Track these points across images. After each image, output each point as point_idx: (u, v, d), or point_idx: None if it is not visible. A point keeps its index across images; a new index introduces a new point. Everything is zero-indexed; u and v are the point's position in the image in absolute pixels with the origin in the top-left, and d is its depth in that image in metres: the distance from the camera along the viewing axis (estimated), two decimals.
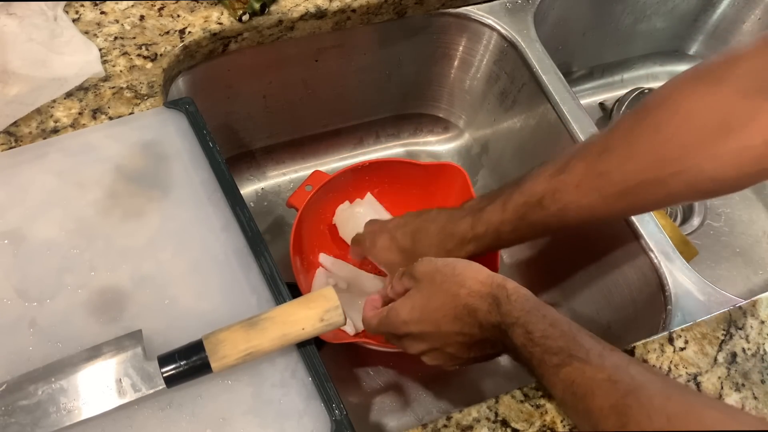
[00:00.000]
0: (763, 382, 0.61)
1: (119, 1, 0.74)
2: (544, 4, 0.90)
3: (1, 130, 0.64)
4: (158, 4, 0.75)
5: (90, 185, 0.62)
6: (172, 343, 0.52)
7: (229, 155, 0.94)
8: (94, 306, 0.56)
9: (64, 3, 0.72)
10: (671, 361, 0.61)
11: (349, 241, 0.86)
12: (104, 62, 0.70)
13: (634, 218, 0.73)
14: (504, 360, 0.86)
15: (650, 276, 0.72)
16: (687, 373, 0.61)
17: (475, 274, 0.56)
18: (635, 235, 0.72)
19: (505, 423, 0.56)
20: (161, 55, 0.72)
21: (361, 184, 0.88)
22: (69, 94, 0.67)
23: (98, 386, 0.50)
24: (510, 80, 0.91)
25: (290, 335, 0.53)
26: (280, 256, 0.79)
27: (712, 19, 1.11)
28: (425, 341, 0.58)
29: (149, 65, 0.71)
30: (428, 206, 0.88)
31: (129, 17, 0.74)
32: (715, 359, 0.62)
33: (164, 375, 0.50)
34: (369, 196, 0.89)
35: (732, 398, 0.60)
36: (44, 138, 0.65)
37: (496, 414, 0.57)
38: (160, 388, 0.50)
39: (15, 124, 0.65)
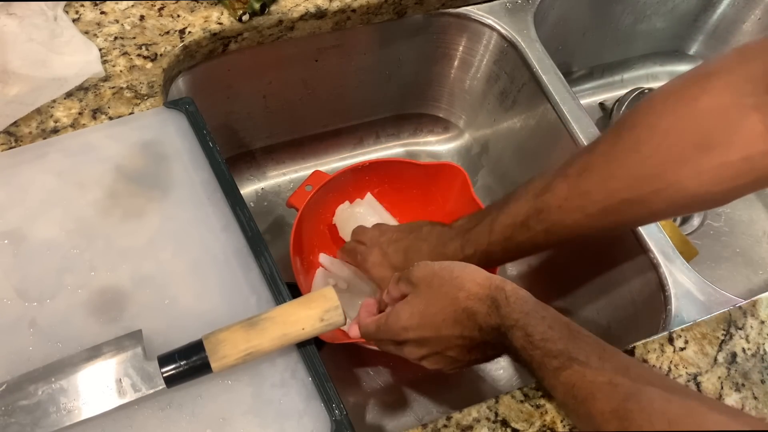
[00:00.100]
0: (763, 382, 0.61)
1: (119, 1, 0.74)
2: (544, 4, 0.90)
3: (1, 130, 0.64)
4: (158, 4, 0.75)
5: (90, 185, 0.62)
6: (172, 343, 0.52)
7: (229, 155, 0.94)
8: (94, 306, 0.56)
9: (64, 3, 0.72)
10: (671, 361, 0.61)
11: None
12: (104, 62, 0.70)
13: None
14: (504, 360, 0.86)
15: (650, 276, 0.72)
16: (687, 373, 0.61)
17: (473, 276, 0.56)
18: (635, 236, 0.72)
19: (505, 423, 0.56)
20: (161, 55, 0.72)
21: (361, 184, 0.88)
22: (69, 94, 0.67)
23: (98, 386, 0.50)
24: (510, 80, 0.91)
25: (290, 335, 0.53)
26: (280, 256, 0.79)
27: (712, 19, 1.11)
28: (425, 346, 0.58)
29: (149, 65, 0.71)
30: (428, 206, 0.89)
31: (129, 17, 0.74)
32: (715, 359, 0.62)
33: (164, 375, 0.50)
34: (369, 196, 0.89)
35: (732, 398, 0.60)
36: (44, 138, 0.65)
37: (496, 414, 0.57)
38: (160, 388, 0.50)
39: (15, 124, 0.65)
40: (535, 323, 0.51)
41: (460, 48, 0.93)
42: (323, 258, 0.86)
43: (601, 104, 1.12)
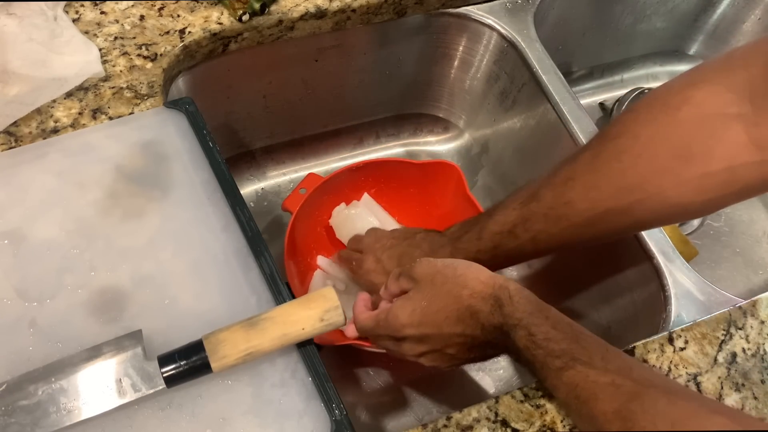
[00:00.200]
0: (763, 382, 0.61)
1: (119, 1, 0.74)
2: (544, 4, 0.90)
3: (1, 130, 0.64)
4: (158, 4, 0.75)
5: (90, 185, 0.62)
6: (172, 343, 0.52)
7: (229, 155, 0.94)
8: (94, 306, 0.56)
9: (64, 3, 0.72)
10: (671, 361, 0.61)
11: (346, 243, 0.86)
12: (104, 62, 0.70)
13: None
14: (504, 360, 0.86)
15: (650, 276, 0.72)
16: (687, 373, 0.61)
17: (477, 274, 0.56)
18: (635, 236, 0.72)
19: (505, 423, 0.56)
20: (161, 55, 0.72)
21: (357, 185, 0.88)
22: (69, 94, 0.67)
23: (98, 386, 0.50)
24: (510, 80, 0.91)
25: (290, 335, 0.53)
26: (279, 256, 0.79)
27: (712, 19, 1.11)
28: (425, 343, 0.57)
29: (149, 65, 0.71)
30: (425, 204, 0.89)
31: (129, 17, 0.74)
32: (715, 359, 0.62)
33: (164, 375, 0.50)
34: (366, 196, 0.89)
35: (732, 398, 0.60)
36: (44, 138, 0.65)
37: (496, 414, 0.57)
38: (160, 388, 0.50)
39: (15, 124, 0.65)
40: (538, 323, 0.51)
41: (460, 48, 0.93)
42: (321, 260, 0.86)
43: (601, 104, 1.12)
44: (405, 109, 1.01)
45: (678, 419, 0.43)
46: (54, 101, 0.67)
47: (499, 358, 0.86)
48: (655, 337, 0.63)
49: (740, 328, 0.64)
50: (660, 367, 0.61)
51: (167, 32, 0.73)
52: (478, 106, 0.99)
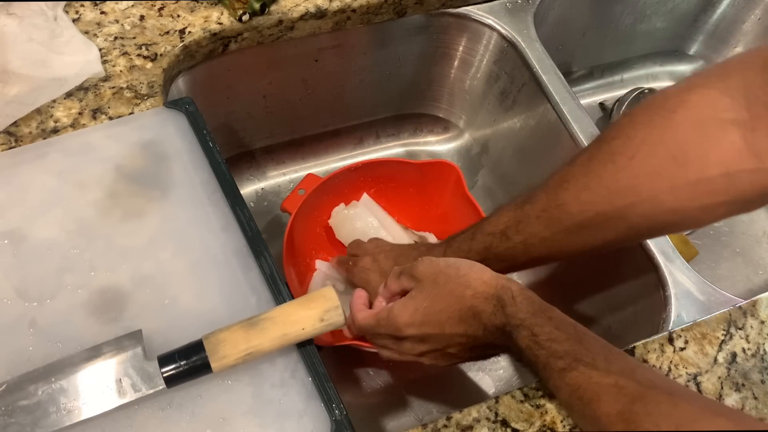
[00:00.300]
0: (763, 382, 0.61)
1: (119, 1, 0.74)
2: (544, 4, 0.90)
3: (1, 130, 0.64)
4: (158, 4, 0.75)
5: (90, 185, 0.62)
6: (172, 343, 0.52)
7: (229, 155, 0.94)
8: (94, 306, 0.56)
9: (64, 3, 0.72)
10: (671, 361, 0.61)
11: (345, 243, 0.86)
12: (104, 62, 0.70)
13: None
14: (504, 360, 0.86)
15: (650, 276, 0.72)
16: (687, 373, 0.61)
17: (480, 274, 0.55)
18: None
19: (505, 423, 0.56)
20: (161, 55, 0.72)
21: (356, 186, 0.88)
22: (69, 94, 0.67)
23: (98, 386, 0.50)
24: (510, 80, 0.91)
25: (290, 335, 0.53)
26: (279, 256, 0.79)
27: (712, 19, 1.11)
28: (427, 343, 0.57)
29: (149, 65, 0.71)
30: (424, 204, 0.90)
31: (129, 17, 0.74)
32: (715, 359, 0.62)
33: (164, 375, 0.50)
34: (365, 196, 0.89)
35: (732, 398, 0.60)
36: (44, 138, 0.65)
37: (496, 414, 0.57)
38: (160, 388, 0.50)
39: (15, 124, 0.65)
40: (541, 323, 0.51)
41: (460, 48, 0.93)
42: (320, 264, 0.86)
43: (601, 104, 1.12)
44: (405, 109, 1.01)
45: (681, 421, 0.43)
46: (54, 101, 0.67)
47: (499, 358, 0.86)
48: (655, 337, 0.63)
49: (740, 328, 0.64)
50: (660, 367, 0.61)
51: (167, 32, 0.73)
52: (478, 106, 0.99)
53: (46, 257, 0.58)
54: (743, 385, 0.61)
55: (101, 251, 0.58)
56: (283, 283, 0.58)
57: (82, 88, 0.68)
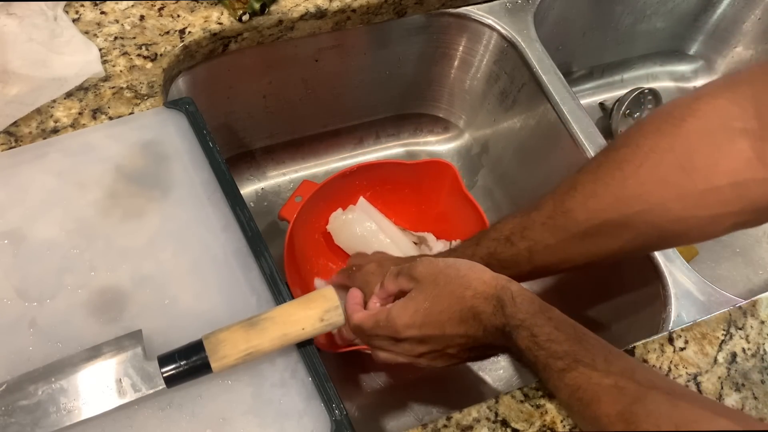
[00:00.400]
0: (763, 382, 0.61)
1: (119, 1, 0.74)
2: (544, 4, 0.90)
3: (1, 130, 0.64)
4: (158, 4, 0.75)
5: (90, 185, 0.62)
6: (172, 343, 0.52)
7: (229, 155, 0.94)
8: (94, 306, 0.56)
9: (64, 3, 0.72)
10: (671, 361, 0.61)
11: (344, 248, 0.86)
12: (104, 62, 0.70)
13: None
14: (504, 360, 0.86)
15: (650, 276, 0.72)
16: (687, 373, 0.61)
17: (480, 274, 0.55)
18: None
19: (505, 423, 0.56)
20: (161, 55, 0.72)
21: (352, 189, 0.87)
22: (69, 94, 0.67)
23: (98, 386, 0.50)
24: (510, 80, 0.91)
25: (290, 335, 0.53)
26: (279, 256, 0.79)
27: (712, 19, 1.11)
28: (426, 344, 0.57)
29: (149, 65, 0.71)
30: (421, 204, 0.89)
31: (129, 17, 0.74)
32: (715, 359, 0.62)
33: (164, 375, 0.50)
34: (362, 200, 0.88)
35: (732, 398, 0.60)
36: (44, 138, 0.65)
37: (496, 414, 0.57)
38: (160, 388, 0.50)
39: (15, 124, 0.65)
40: (541, 324, 0.51)
41: (460, 48, 0.93)
42: (318, 283, 0.85)
43: (601, 104, 1.12)
44: (405, 109, 1.01)
45: (681, 422, 0.43)
46: (54, 101, 0.67)
47: (499, 358, 0.86)
48: (655, 337, 0.63)
49: (740, 328, 0.64)
50: (660, 367, 0.61)
51: (167, 32, 0.73)
52: (478, 106, 0.99)
53: (46, 257, 0.58)
54: (743, 385, 0.61)
55: (101, 251, 0.58)
56: (283, 283, 0.58)
57: (82, 88, 0.68)
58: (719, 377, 0.61)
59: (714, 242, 1.00)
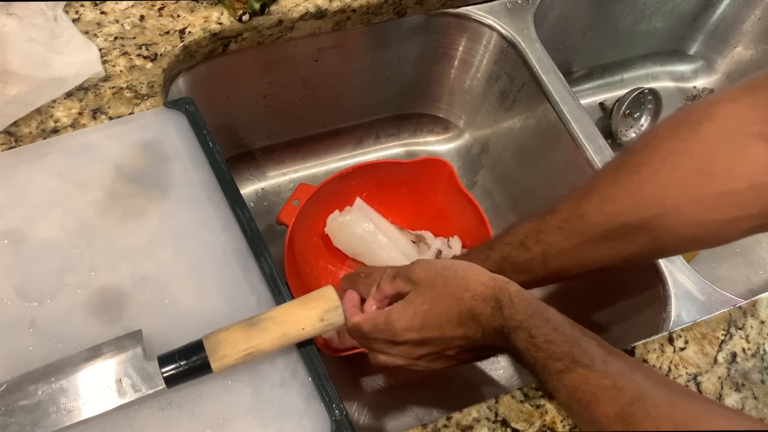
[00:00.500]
0: (763, 382, 0.61)
1: (119, 1, 0.74)
2: (544, 4, 0.90)
3: (1, 130, 0.64)
4: (158, 4, 0.75)
5: (90, 185, 0.62)
6: (172, 343, 0.52)
7: (229, 155, 0.94)
8: (94, 306, 0.56)
9: (64, 3, 0.72)
10: (671, 361, 0.61)
11: (343, 250, 0.86)
12: (104, 62, 0.70)
13: None
14: (504, 360, 0.86)
15: (650, 276, 0.72)
16: (687, 373, 0.61)
17: (478, 276, 0.55)
18: None
19: (505, 423, 0.56)
20: (161, 55, 0.72)
21: (348, 191, 0.87)
22: (69, 94, 0.67)
23: (98, 386, 0.50)
24: (510, 80, 0.91)
25: (290, 335, 0.53)
26: (279, 256, 0.79)
27: (712, 19, 1.11)
28: (425, 347, 0.57)
29: (149, 65, 0.71)
30: (419, 203, 0.89)
31: (129, 17, 0.74)
32: (715, 359, 0.62)
33: (164, 375, 0.50)
34: (358, 200, 0.88)
35: (732, 398, 0.60)
36: (44, 138, 0.65)
37: (496, 414, 0.57)
38: (160, 388, 0.50)
39: (15, 124, 0.65)
40: (539, 325, 0.51)
41: (460, 48, 0.93)
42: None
43: (601, 104, 1.12)
44: (405, 109, 1.01)
45: (680, 422, 0.43)
46: (54, 101, 0.67)
47: (498, 358, 0.86)
48: (655, 337, 0.63)
49: (740, 328, 0.64)
50: (660, 367, 0.61)
51: (167, 32, 0.73)
52: (478, 106, 0.99)
53: (46, 257, 0.58)
54: (743, 385, 0.61)
55: (101, 251, 0.58)
56: (283, 283, 0.58)
57: (82, 88, 0.68)
58: (719, 377, 0.61)
59: None
